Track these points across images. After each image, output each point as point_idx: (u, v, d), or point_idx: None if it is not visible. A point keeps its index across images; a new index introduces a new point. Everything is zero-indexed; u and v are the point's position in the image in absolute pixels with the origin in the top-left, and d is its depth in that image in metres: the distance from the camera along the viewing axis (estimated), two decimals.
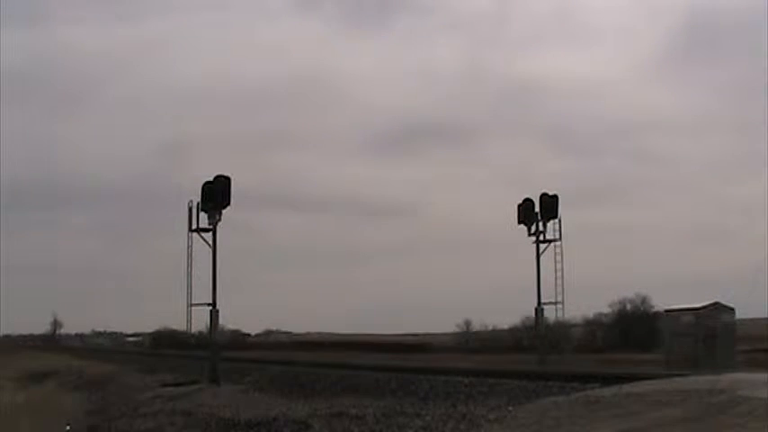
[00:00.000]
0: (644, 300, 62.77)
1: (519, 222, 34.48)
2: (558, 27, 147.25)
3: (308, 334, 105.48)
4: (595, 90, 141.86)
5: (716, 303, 30.28)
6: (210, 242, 29.12)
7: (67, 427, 22.65)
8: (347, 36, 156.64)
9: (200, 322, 30.61)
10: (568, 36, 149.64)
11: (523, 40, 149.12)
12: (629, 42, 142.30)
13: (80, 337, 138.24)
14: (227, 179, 29.23)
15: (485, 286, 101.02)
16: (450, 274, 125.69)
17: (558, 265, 33.07)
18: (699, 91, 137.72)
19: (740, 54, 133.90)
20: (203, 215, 29.20)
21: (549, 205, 33.97)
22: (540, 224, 33.97)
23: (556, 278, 33.04)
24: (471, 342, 72.78)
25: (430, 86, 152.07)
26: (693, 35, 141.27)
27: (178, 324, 41.91)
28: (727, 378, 14.40)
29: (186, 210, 29.46)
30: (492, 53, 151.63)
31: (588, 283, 78.75)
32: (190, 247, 29.38)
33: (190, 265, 29.27)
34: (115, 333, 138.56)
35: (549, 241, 33.73)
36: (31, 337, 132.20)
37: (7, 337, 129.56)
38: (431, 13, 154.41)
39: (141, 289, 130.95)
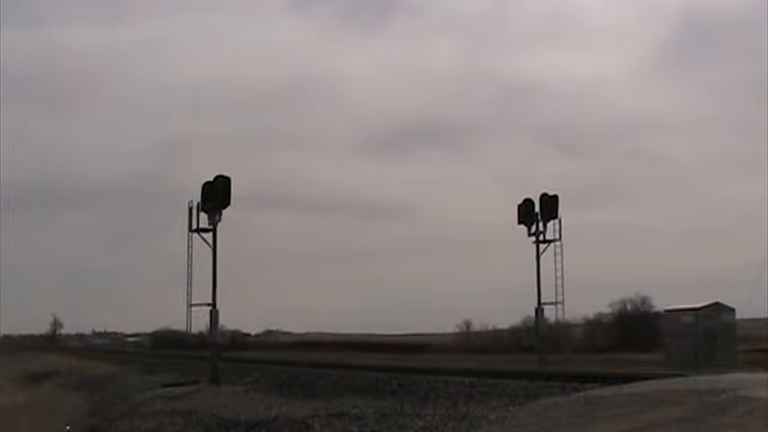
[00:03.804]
0: (644, 300, 62.54)
1: (519, 222, 34.51)
2: (556, 27, 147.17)
3: (308, 334, 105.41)
4: (594, 90, 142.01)
5: (716, 303, 30.31)
6: (210, 242, 29.14)
7: (67, 428, 22.63)
8: (346, 36, 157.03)
9: (201, 322, 30.70)
10: (567, 36, 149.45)
11: (521, 40, 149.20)
12: (628, 42, 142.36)
13: (80, 337, 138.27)
14: (227, 179, 29.23)
15: (485, 286, 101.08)
16: (451, 274, 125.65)
17: (558, 265, 33.16)
18: (698, 91, 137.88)
19: (739, 54, 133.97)
20: (203, 215, 29.22)
21: (549, 205, 33.98)
22: (540, 224, 34.00)
23: (556, 278, 33.14)
24: (471, 342, 72.66)
25: (429, 87, 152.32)
26: (692, 35, 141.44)
27: (178, 324, 41.96)
28: (727, 378, 14.42)
29: (186, 210, 29.52)
30: (490, 53, 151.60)
31: (588, 283, 78.66)
32: (190, 247, 29.43)
33: (190, 265, 29.33)
34: (115, 333, 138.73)
35: (549, 241, 33.75)
36: (32, 338, 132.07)
37: (7, 337, 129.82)
38: (428, 14, 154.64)
39: (141, 289, 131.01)
